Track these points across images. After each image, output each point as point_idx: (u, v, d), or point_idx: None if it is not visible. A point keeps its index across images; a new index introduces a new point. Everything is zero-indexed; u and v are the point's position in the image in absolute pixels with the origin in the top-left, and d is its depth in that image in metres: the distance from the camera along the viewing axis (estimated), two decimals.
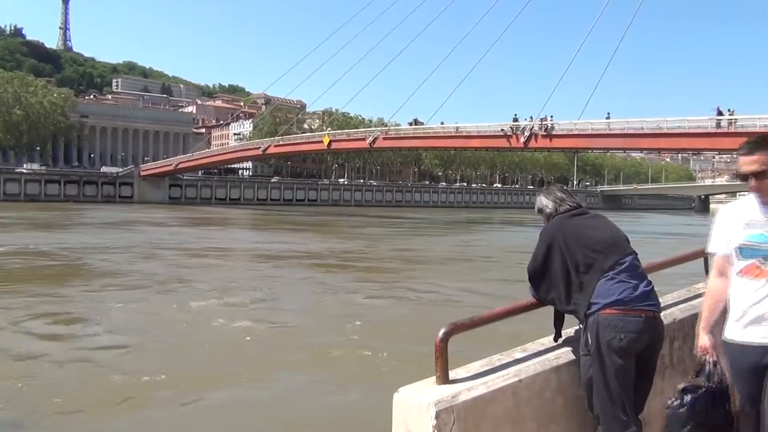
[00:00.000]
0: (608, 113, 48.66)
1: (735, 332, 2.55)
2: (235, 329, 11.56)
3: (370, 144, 63.42)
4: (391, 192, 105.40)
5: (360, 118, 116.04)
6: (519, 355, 2.90)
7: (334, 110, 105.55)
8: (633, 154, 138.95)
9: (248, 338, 10.94)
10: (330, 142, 66.86)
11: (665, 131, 43.35)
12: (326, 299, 15.07)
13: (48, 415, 7.21)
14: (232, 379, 8.65)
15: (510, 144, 52.06)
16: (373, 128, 74.50)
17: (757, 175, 2.46)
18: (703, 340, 2.75)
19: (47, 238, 29.30)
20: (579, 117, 48.62)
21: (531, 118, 50.07)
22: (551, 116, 49.29)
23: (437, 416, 2.32)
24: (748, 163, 2.49)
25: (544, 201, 3.22)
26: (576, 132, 48.14)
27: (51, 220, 43.64)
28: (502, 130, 51.75)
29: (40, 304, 13.67)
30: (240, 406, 7.65)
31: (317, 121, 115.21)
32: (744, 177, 2.53)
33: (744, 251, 2.51)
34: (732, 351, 2.57)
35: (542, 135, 48.80)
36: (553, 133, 48.39)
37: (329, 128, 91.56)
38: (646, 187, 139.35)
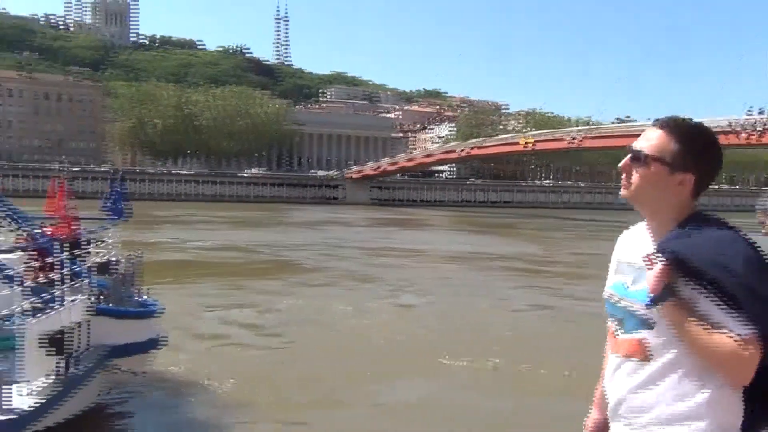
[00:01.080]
0: None
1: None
2: (404, 330, 11.73)
3: (570, 144, 61.11)
4: (593, 194, 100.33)
5: (562, 117, 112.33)
6: None
7: (534, 110, 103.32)
8: None
9: (419, 339, 11.03)
10: (529, 143, 65.59)
11: None
12: (503, 303, 14.70)
13: (213, 394, 7.86)
14: (396, 379, 8.78)
15: (739, 140, 46.59)
16: (575, 127, 71.72)
17: (634, 156, 1.64)
18: (590, 416, 1.89)
19: (252, 235, 32.22)
20: None
21: None
22: None
23: None
24: (641, 138, 1.67)
25: None
26: None
27: (263, 219, 47.89)
28: (729, 124, 46.52)
29: (229, 293, 15.07)
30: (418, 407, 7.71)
31: (516, 122, 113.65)
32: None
33: (607, 307, 1.72)
34: None
35: None
36: None
37: (528, 129, 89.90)
38: None
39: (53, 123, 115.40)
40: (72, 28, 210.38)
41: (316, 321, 12.37)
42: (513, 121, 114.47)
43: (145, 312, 7.38)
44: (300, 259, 22.49)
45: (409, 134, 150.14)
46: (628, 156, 1.66)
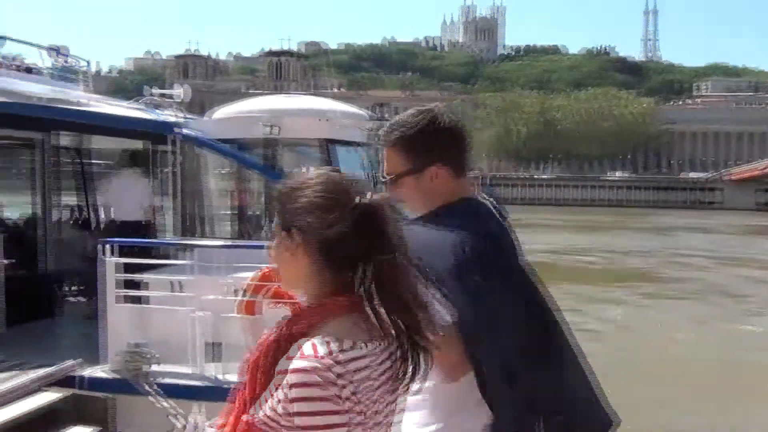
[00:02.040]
0: None
1: None
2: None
3: None
4: None
5: None
6: None
7: None
8: None
9: None
10: None
11: None
12: None
13: None
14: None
15: None
16: None
17: (387, 183, 1.64)
18: None
19: (594, 240, 31.18)
20: None
21: None
22: None
23: None
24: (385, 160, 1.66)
25: None
26: None
27: (615, 223, 45.54)
28: None
29: (561, 297, 14.58)
30: None
31: None
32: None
33: None
34: None
35: None
36: None
37: None
38: None
39: None
40: (446, 48, 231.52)
41: (656, 334, 11.45)
42: None
43: None
44: (634, 266, 21.18)
45: None
46: (384, 184, 1.65)
